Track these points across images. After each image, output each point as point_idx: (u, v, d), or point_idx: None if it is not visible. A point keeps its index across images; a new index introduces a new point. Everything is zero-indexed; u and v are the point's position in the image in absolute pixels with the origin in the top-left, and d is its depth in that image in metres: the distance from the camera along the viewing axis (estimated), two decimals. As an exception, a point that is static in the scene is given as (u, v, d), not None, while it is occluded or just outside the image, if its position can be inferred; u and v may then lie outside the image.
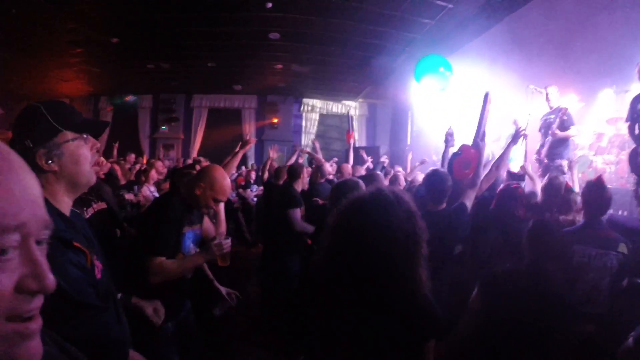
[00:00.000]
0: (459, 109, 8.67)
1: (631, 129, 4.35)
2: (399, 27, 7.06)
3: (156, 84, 11.22)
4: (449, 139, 4.26)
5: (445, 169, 3.98)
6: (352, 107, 13.92)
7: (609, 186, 3.33)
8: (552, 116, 5.42)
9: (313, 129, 13.62)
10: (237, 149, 3.47)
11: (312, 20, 7.13)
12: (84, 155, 1.26)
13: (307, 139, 13.30)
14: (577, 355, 2.24)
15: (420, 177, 5.44)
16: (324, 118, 13.93)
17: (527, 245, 2.21)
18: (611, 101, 6.45)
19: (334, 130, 14.06)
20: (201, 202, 2.29)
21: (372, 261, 1.28)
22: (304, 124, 13.63)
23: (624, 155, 6.13)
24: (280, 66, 9.92)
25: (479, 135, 3.92)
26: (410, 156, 7.47)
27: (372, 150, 9.24)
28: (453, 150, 4.13)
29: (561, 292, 2.17)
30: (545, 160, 5.34)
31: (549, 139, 5.36)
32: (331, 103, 13.77)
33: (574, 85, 6.23)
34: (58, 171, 1.21)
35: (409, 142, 11.02)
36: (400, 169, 6.62)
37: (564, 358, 2.07)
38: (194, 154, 12.30)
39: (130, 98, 12.39)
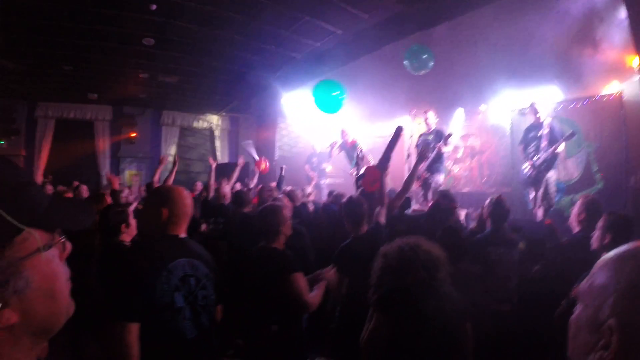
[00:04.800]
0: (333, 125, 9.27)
1: (522, 150, 5.80)
2: (283, 45, 7.21)
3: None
4: (360, 162, 4.67)
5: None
6: (214, 121, 13.62)
7: (466, 189, 6.32)
8: (431, 136, 6.26)
9: (173, 144, 12.88)
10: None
11: (193, 29, 6.85)
12: (60, 273, 0.74)
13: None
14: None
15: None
16: (185, 133, 13.31)
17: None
18: (462, 119, 7.75)
19: (196, 147, 13.54)
20: None
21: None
22: (164, 139, 12.81)
23: (475, 163, 7.60)
24: (145, 75, 9.18)
25: (385, 160, 4.38)
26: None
27: (244, 166, 9.15)
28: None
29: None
30: (427, 174, 6.10)
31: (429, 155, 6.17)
32: (193, 117, 13.26)
33: (433, 105, 7.32)
34: (19, 322, 0.65)
35: (276, 157, 11.27)
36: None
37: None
38: (40, 173, 10.53)
39: None
